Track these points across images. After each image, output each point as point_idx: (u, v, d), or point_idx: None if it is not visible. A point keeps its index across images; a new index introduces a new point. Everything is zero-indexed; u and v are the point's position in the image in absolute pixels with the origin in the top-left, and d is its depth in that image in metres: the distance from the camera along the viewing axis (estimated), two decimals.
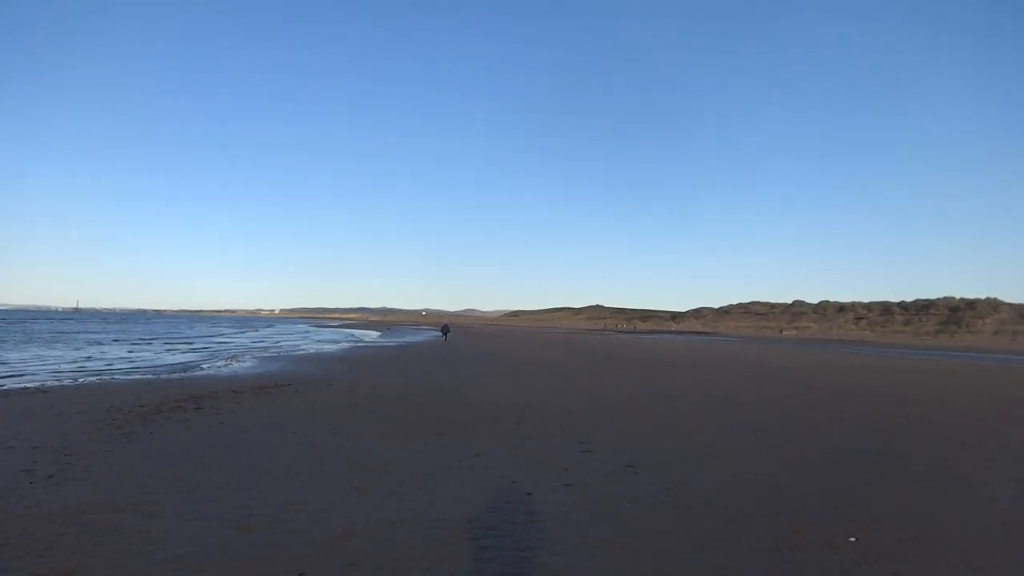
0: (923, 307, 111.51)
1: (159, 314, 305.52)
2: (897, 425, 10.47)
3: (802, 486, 6.15)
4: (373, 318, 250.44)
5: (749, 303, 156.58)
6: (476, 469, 6.52)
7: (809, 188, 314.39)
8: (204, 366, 19.85)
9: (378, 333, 68.00)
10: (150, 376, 16.17)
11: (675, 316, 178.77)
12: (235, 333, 56.53)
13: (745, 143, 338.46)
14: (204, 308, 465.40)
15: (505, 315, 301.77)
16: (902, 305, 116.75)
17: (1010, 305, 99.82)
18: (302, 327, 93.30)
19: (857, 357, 37.17)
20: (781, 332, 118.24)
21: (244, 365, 20.18)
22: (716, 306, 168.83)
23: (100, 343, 33.19)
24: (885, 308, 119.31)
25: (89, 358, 22.69)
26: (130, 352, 26.68)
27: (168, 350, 28.67)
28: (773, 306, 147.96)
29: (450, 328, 54.39)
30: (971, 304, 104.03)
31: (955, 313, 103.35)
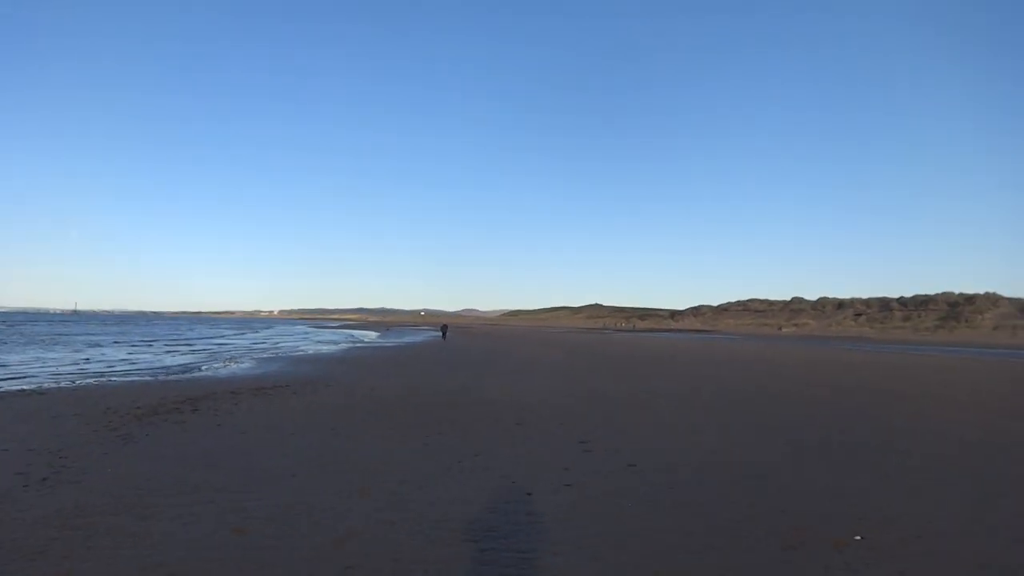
0: (922, 303, 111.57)
1: (158, 315, 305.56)
2: (896, 421, 10.42)
3: (804, 483, 6.09)
4: (372, 319, 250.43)
5: (748, 300, 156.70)
6: (476, 469, 6.45)
7: (807, 185, 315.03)
8: (203, 368, 19.77)
9: (377, 334, 67.87)
10: (148, 378, 16.09)
11: (674, 314, 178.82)
12: (235, 335, 56.41)
13: (743, 141, 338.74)
14: (203, 310, 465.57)
15: (504, 315, 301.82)
16: (901, 301, 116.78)
17: (1009, 300, 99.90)
18: (301, 328, 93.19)
19: (856, 353, 37.15)
20: (780, 329, 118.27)
21: (242, 366, 20.12)
22: (715, 304, 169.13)
23: (100, 345, 33.09)
24: (884, 304, 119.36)
25: (87, 360, 22.62)
26: (130, 354, 26.58)
27: (168, 352, 28.59)
28: (772, 303, 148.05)
29: (449, 328, 54.37)
30: (970, 299, 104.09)
31: (954, 308, 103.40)
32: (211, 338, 46.81)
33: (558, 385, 15.00)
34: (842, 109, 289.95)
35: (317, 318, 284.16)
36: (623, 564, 4.00)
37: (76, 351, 27.77)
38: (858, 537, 4.56)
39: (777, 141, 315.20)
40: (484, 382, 15.41)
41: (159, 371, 18.39)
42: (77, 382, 14.67)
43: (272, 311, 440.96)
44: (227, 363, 21.65)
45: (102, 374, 17.14)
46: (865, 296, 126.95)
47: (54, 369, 18.60)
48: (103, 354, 26.15)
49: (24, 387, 13.32)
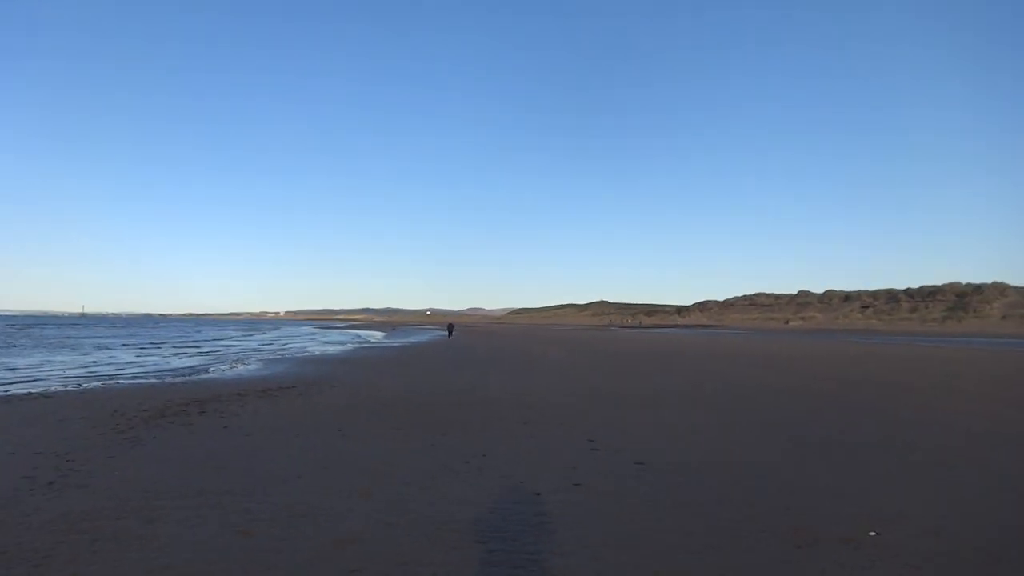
0: (929, 293, 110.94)
1: (164, 318, 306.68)
2: (904, 414, 10.35)
3: (814, 480, 6.03)
4: (378, 319, 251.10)
5: (754, 295, 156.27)
6: (482, 469, 6.41)
7: (811, 179, 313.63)
8: (210, 370, 19.82)
9: (383, 334, 67.99)
10: (155, 380, 16.14)
11: (680, 310, 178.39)
12: (242, 336, 56.59)
13: (747, 136, 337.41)
14: (209, 312, 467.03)
15: (510, 313, 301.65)
16: (908, 292, 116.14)
17: (1017, 289, 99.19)
18: (308, 329, 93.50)
19: (863, 346, 36.98)
20: (787, 323, 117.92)
21: (249, 368, 20.17)
22: (721, 299, 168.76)
23: (108, 348, 33.23)
24: (891, 296, 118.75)
25: (95, 363, 22.72)
26: (138, 356, 26.69)
27: (175, 354, 28.68)
28: (778, 297, 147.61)
29: (455, 327, 54.45)
30: (978, 289, 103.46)
31: (962, 299, 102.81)
32: (218, 340, 46.97)
33: (564, 383, 14.96)
34: (846, 102, 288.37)
35: (323, 319, 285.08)
36: (633, 564, 3.95)
37: (84, 354, 27.90)
38: (873, 533, 4.50)
39: (781, 135, 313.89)
40: (489, 381, 15.38)
41: (166, 373, 18.44)
42: (84, 385, 14.72)
43: (278, 312, 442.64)
44: (234, 365, 21.70)
45: (110, 377, 17.21)
46: (872, 288, 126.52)
47: (62, 372, 18.68)
48: (111, 357, 26.27)
49: (31, 390, 13.36)
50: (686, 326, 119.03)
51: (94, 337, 47.93)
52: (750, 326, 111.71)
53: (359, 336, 58.82)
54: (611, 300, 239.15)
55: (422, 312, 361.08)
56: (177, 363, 22.94)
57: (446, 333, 50.49)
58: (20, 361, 23.18)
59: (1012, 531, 4.67)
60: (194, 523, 4.62)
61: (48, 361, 23.40)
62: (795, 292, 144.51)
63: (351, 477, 6.02)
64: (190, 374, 18.07)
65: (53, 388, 13.94)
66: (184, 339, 47.35)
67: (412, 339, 47.90)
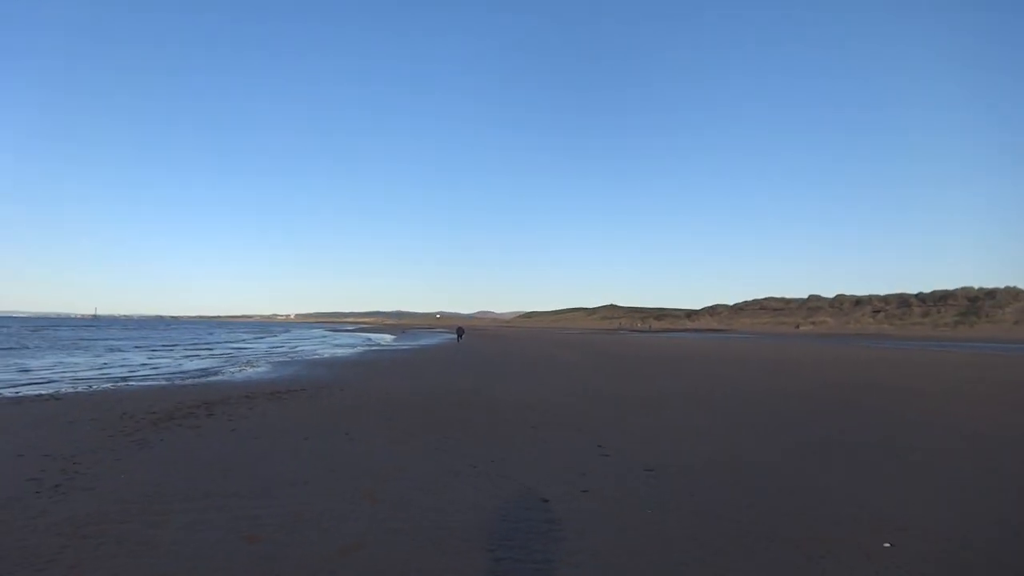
0: (941, 298, 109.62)
1: (176, 320, 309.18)
2: (916, 419, 10.19)
3: (826, 487, 5.90)
4: (388, 321, 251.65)
5: (764, 299, 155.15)
6: (491, 475, 6.33)
7: (822, 183, 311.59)
8: (221, 372, 19.87)
9: (392, 337, 68.15)
10: (165, 382, 16.19)
11: (690, 314, 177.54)
12: (253, 339, 56.82)
13: (759, 139, 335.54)
14: (220, 314, 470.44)
15: (519, 316, 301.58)
16: (920, 297, 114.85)
17: None
18: (318, 331, 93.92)
19: (875, 350, 36.56)
20: (798, 327, 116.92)
21: (259, 370, 20.20)
22: (731, 303, 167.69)
23: (121, 350, 33.45)
24: (903, 300, 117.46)
25: (106, 364, 22.85)
26: (150, 358, 26.84)
27: (187, 356, 28.81)
28: (789, 301, 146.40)
29: (464, 331, 54.46)
30: (990, 293, 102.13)
31: (974, 303, 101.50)
32: (230, 342, 47.17)
33: (573, 387, 14.85)
34: (857, 106, 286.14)
35: (333, 321, 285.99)
36: (643, 574, 3.86)
37: (97, 356, 28.10)
38: (887, 545, 4.39)
39: (792, 139, 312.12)
40: (498, 385, 15.30)
41: (177, 375, 18.51)
42: (95, 387, 14.77)
43: (289, 315, 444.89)
44: (244, 367, 21.75)
45: (122, 379, 17.28)
46: (883, 292, 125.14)
47: (74, 374, 18.78)
48: (124, 359, 26.42)
49: (42, 392, 13.43)
50: (696, 330, 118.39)
51: (107, 339, 48.31)
52: (760, 330, 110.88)
53: (369, 339, 58.93)
54: (621, 304, 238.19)
55: (432, 315, 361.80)
56: (189, 365, 23.01)
57: (455, 337, 50.43)
58: (34, 363, 23.36)
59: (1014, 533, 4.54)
60: (199, 528, 4.58)
61: (61, 363, 23.56)
62: (806, 296, 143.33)
63: (358, 481, 5.96)
64: (201, 376, 18.12)
65: (64, 390, 14.00)
66: (196, 341, 47.61)
67: (422, 342, 47.92)
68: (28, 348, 33.63)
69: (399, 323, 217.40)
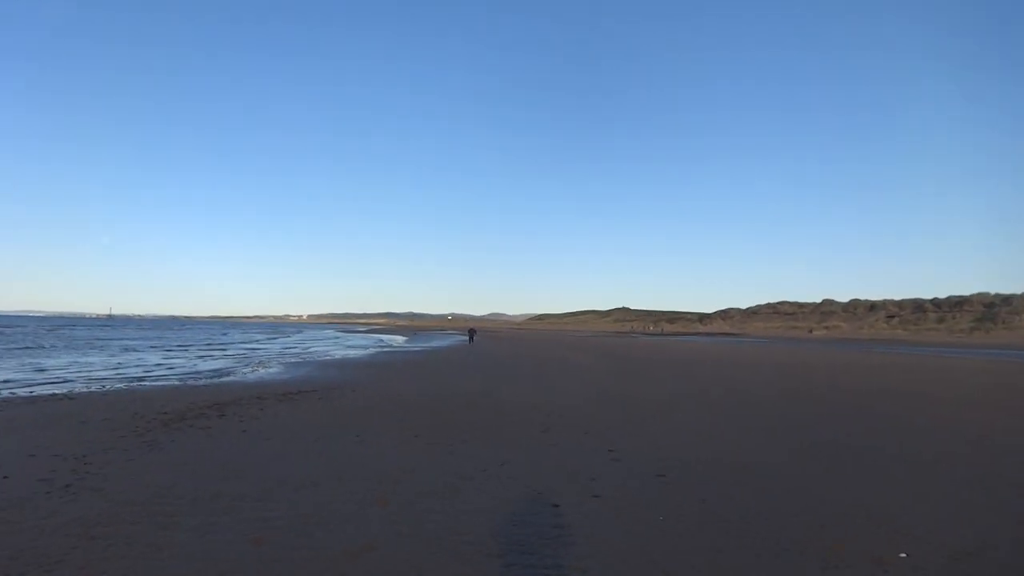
0: (956, 304, 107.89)
1: (190, 320, 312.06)
2: (930, 426, 10.01)
3: (838, 495, 5.78)
4: (400, 323, 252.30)
5: (777, 303, 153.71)
6: (501, 479, 6.28)
7: (836, 186, 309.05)
8: (234, 372, 19.98)
9: (404, 338, 68.32)
10: (178, 383, 16.30)
11: (702, 317, 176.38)
12: (266, 339, 57.18)
13: (771, 142, 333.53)
14: (233, 314, 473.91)
15: (531, 319, 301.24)
16: (935, 302, 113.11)
17: None
18: (331, 332, 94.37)
19: (888, 356, 36.08)
20: (811, 332, 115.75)
21: (271, 371, 20.30)
22: (744, 307, 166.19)
23: (136, 350, 33.77)
24: (917, 305, 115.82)
25: (120, 364, 23.07)
26: (165, 359, 27.07)
27: (201, 357, 29.02)
28: (802, 305, 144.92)
29: (476, 332, 54.49)
30: (1007, 300, 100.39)
31: (991, 309, 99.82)
32: (243, 343, 47.50)
33: (585, 390, 14.77)
34: (870, 108, 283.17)
35: (346, 322, 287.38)
36: None
37: (112, 355, 28.39)
38: (903, 555, 4.28)
39: (806, 141, 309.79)
40: (510, 387, 15.25)
41: (191, 376, 18.64)
42: (108, 387, 14.89)
43: (301, 315, 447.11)
44: (256, 368, 21.87)
45: (137, 379, 17.42)
46: (898, 297, 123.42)
47: (89, 374, 18.96)
48: (140, 359, 26.67)
49: (56, 391, 13.55)
50: (708, 334, 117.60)
51: (122, 339, 48.83)
52: (773, 335, 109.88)
53: (381, 340, 59.13)
54: (633, 307, 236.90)
55: (443, 317, 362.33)
56: (203, 366, 23.18)
57: (467, 338, 50.48)
58: (49, 362, 23.63)
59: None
60: (207, 529, 4.56)
61: (76, 363, 23.82)
62: (819, 301, 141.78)
63: (368, 484, 5.93)
64: (214, 377, 18.23)
65: (78, 389, 14.13)
66: (210, 342, 47.99)
67: (433, 344, 48.00)
68: (44, 347, 34.05)
69: (411, 324, 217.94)
